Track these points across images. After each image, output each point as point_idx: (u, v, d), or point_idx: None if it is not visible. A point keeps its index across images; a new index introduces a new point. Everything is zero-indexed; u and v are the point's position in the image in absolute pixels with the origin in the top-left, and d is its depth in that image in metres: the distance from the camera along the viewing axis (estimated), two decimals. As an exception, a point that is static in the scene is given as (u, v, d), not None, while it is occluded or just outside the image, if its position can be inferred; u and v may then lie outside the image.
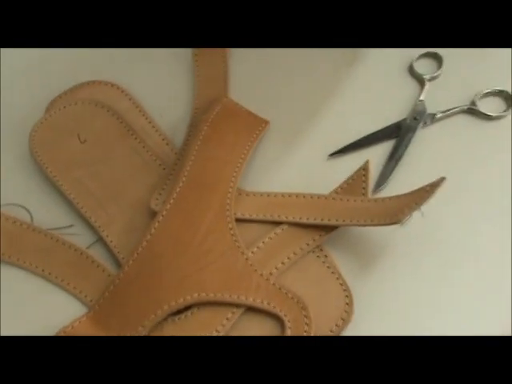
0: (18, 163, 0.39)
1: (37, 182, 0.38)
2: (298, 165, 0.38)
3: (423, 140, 0.38)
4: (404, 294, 0.33)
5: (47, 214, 0.37)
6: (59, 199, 0.38)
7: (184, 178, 0.36)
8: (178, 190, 0.35)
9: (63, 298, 0.34)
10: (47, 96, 0.41)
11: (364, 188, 0.34)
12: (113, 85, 0.41)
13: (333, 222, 0.33)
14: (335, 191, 0.35)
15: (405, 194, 0.32)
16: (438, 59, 0.41)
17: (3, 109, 0.41)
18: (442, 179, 0.31)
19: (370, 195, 0.35)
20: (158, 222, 0.34)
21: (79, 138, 0.39)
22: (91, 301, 0.34)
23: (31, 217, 0.37)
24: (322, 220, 0.34)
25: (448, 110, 0.38)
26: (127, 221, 0.36)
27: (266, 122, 0.39)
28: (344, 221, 0.33)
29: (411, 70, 0.41)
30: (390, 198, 0.33)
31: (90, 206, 0.37)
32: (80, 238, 0.36)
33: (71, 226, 0.37)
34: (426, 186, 0.31)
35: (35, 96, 0.41)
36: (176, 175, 0.36)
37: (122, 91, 0.41)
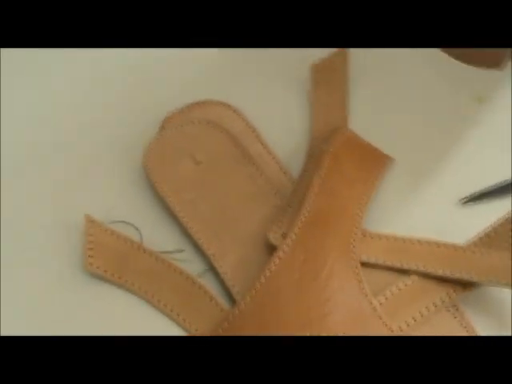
0: (130, 180, 0.38)
1: (148, 201, 0.37)
2: (425, 208, 0.35)
3: None
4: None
5: (157, 235, 0.36)
6: (170, 221, 0.36)
7: (306, 213, 0.33)
8: (299, 224, 0.33)
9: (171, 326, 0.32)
10: (162, 113, 0.39)
11: (511, 244, 0.31)
12: (228, 106, 0.40)
13: (474, 279, 0.30)
14: (473, 243, 0.32)
15: None
16: None
17: (118, 124, 0.40)
18: None
19: (516, 252, 0.31)
20: (279, 258, 0.32)
21: (194, 159, 0.37)
22: (200, 335, 0.32)
23: (141, 237, 0.36)
24: (460, 274, 0.31)
25: None
26: (242, 252, 0.34)
27: (391, 159, 0.37)
28: (488, 279, 0.30)
29: (552, 116, 0.38)
30: (548, 259, 0.29)
31: (204, 231, 0.35)
32: (190, 265, 0.34)
33: (182, 250, 0.35)
34: None
35: (149, 112, 0.40)
36: (296, 208, 0.34)
37: (238, 114, 0.40)
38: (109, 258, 0.34)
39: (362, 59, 0.41)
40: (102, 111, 0.41)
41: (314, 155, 0.37)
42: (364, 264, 0.33)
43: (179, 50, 0.44)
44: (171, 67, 0.43)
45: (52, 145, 0.39)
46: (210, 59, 0.43)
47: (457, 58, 0.30)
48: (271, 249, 0.33)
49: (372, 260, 0.33)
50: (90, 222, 0.35)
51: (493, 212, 0.34)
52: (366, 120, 0.39)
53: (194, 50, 0.44)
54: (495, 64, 0.28)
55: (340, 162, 0.36)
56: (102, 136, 0.40)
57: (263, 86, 0.42)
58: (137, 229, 0.36)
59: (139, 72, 0.43)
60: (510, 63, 0.29)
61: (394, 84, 0.40)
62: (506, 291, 0.31)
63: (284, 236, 0.33)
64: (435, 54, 0.33)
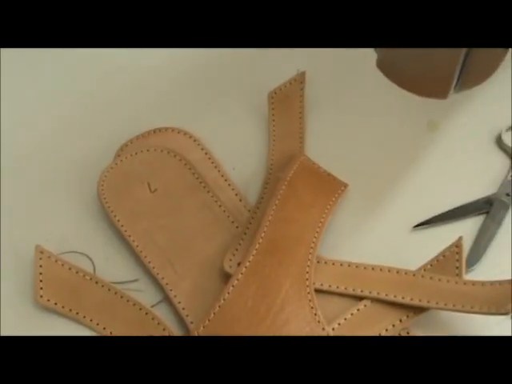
0: (84, 209, 0.37)
1: (102, 230, 0.36)
2: (379, 234, 0.36)
3: (517, 218, 0.36)
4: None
5: (111, 265, 0.35)
6: (124, 250, 0.35)
7: (260, 240, 0.33)
8: (254, 252, 0.33)
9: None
10: (118, 140, 0.39)
11: (458, 268, 0.32)
12: (185, 133, 0.40)
13: (423, 304, 0.31)
14: (423, 268, 0.33)
15: (509, 281, 0.29)
16: (529, 132, 0.39)
17: (73, 151, 0.40)
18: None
19: (464, 276, 0.32)
20: (233, 286, 0.32)
21: (149, 187, 0.37)
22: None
23: (94, 267, 0.35)
24: (411, 300, 0.31)
25: (543, 189, 0.36)
26: (196, 281, 0.34)
27: (345, 185, 0.37)
28: (437, 303, 0.30)
29: (499, 142, 0.39)
30: (492, 284, 0.30)
31: (158, 261, 0.34)
32: (144, 294, 0.34)
33: (136, 280, 0.34)
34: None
35: (106, 139, 0.40)
36: (252, 236, 0.34)
37: (195, 140, 0.40)
38: (60, 290, 0.33)
39: (319, 87, 0.42)
40: (57, 137, 0.41)
41: (271, 182, 0.38)
42: (319, 291, 0.33)
43: (139, 76, 0.44)
44: (130, 93, 0.43)
45: (1, 170, 0.39)
46: (169, 85, 0.43)
47: (406, 88, 0.30)
48: (226, 277, 0.33)
49: (326, 287, 0.33)
50: (41, 252, 0.34)
51: (444, 237, 0.34)
52: (322, 147, 0.40)
53: (152, 75, 0.44)
54: (441, 94, 0.29)
55: (296, 188, 0.36)
56: (57, 162, 0.39)
57: (222, 113, 0.42)
58: (90, 259, 0.35)
59: (97, 97, 0.43)
60: (458, 91, 0.30)
61: (350, 111, 0.41)
62: (456, 314, 0.32)
63: (239, 264, 0.33)
64: (389, 83, 0.33)
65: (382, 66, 0.31)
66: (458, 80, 0.29)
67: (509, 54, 0.31)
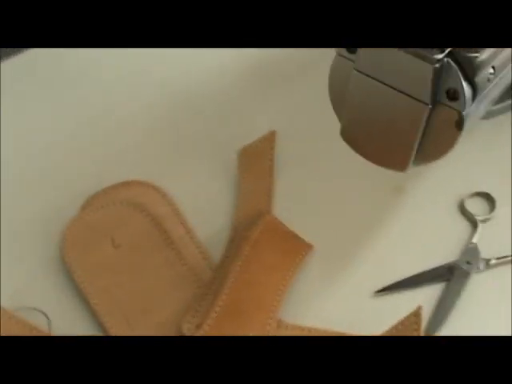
0: (42, 262, 0.36)
1: (60, 285, 0.36)
2: (342, 298, 0.36)
3: (477, 287, 0.36)
4: None
5: (67, 321, 0.34)
6: (82, 306, 0.35)
7: (221, 303, 0.33)
8: (214, 315, 0.33)
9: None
10: (83, 192, 0.39)
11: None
12: (154, 187, 0.40)
13: (381, 374, 0.30)
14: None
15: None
16: (491, 201, 0.40)
17: (36, 202, 0.39)
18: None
19: (422, 347, 0.32)
20: (190, 350, 0.31)
21: (113, 242, 0.37)
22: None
23: (49, 323, 0.34)
24: (369, 370, 0.31)
25: (503, 257, 0.37)
26: (154, 342, 0.33)
27: (310, 247, 0.37)
28: (395, 375, 0.30)
29: (462, 209, 0.39)
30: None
31: (115, 319, 0.34)
32: (99, 355, 0.33)
33: (92, 339, 0.34)
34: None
35: (70, 191, 0.39)
36: (213, 297, 0.34)
37: (163, 195, 0.40)
38: (11, 347, 0.32)
39: (289, 146, 0.42)
40: (20, 186, 0.40)
41: (236, 241, 0.38)
42: (277, 357, 0.32)
43: (108, 127, 0.44)
44: (98, 144, 0.43)
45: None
46: (138, 137, 0.44)
47: (368, 159, 0.31)
48: (185, 339, 0.33)
49: (285, 353, 0.32)
50: (-5, 308, 0.33)
51: (405, 303, 0.34)
52: (289, 206, 0.40)
53: (122, 127, 0.44)
54: (401, 167, 0.30)
55: (260, 249, 0.36)
56: (19, 212, 0.39)
57: (191, 168, 0.42)
58: (45, 315, 0.34)
59: (63, 148, 0.43)
60: (417, 165, 0.30)
61: (319, 172, 0.42)
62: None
63: (198, 327, 0.33)
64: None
65: (344, 135, 0.32)
66: (417, 154, 0.29)
67: (471, 128, 0.32)
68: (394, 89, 0.28)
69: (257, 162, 0.41)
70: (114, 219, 0.38)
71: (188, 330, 0.33)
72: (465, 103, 0.27)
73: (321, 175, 0.41)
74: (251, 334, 0.32)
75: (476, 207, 0.39)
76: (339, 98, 0.31)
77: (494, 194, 0.40)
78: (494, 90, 0.30)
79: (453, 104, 0.27)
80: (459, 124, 0.28)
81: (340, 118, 0.32)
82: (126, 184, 0.40)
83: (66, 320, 0.34)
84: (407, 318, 0.33)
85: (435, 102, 0.28)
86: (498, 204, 0.39)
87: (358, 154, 0.33)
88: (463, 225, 0.39)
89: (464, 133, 0.30)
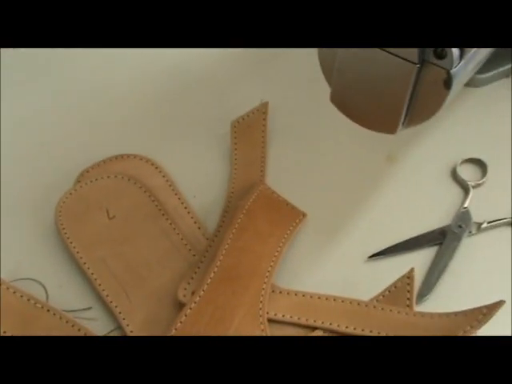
0: (40, 235, 0.37)
1: (58, 257, 0.36)
2: (335, 264, 0.36)
3: (469, 250, 0.36)
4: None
5: (64, 292, 0.35)
6: (79, 278, 0.35)
7: (216, 269, 0.34)
8: (208, 281, 0.33)
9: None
10: (78, 166, 0.39)
11: (409, 299, 0.32)
12: (147, 160, 0.40)
13: (374, 334, 0.31)
14: (376, 299, 0.33)
15: (457, 313, 0.30)
16: (483, 166, 0.40)
17: (32, 176, 0.40)
18: (501, 302, 0.29)
19: (414, 307, 0.32)
20: (186, 315, 0.32)
21: (108, 214, 0.37)
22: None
23: (47, 295, 0.34)
24: (362, 330, 0.31)
25: (494, 221, 0.37)
26: (151, 310, 0.33)
27: (304, 215, 0.38)
28: (388, 334, 0.30)
29: (454, 175, 0.40)
30: (440, 315, 0.30)
31: (112, 289, 0.34)
32: (97, 323, 0.33)
33: (89, 308, 0.34)
34: (483, 307, 0.29)
35: (66, 165, 0.40)
36: (207, 264, 0.34)
37: (156, 167, 0.40)
38: (10, 317, 0.32)
39: (282, 117, 0.42)
40: (16, 161, 0.40)
41: (230, 210, 0.38)
42: (272, 320, 0.33)
43: (102, 101, 0.44)
44: (92, 119, 0.43)
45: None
46: (131, 111, 0.44)
47: (358, 123, 0.31)
48: (180, 306, 0.33)
49: (279, 317, 0.33)
50: (-8, 279, 0.33)
51: (398, 267, 0.35)
52: (282, 176, 0.40)
53: (115, 101, 0.44)
54: (391, 130, 0.30)
55: (254, 217, 0.37)
56: (15, 187, 0.39)
57: (184, 140, 0.42)
58: (43, 286, 0.35)
59: (58, 123, 0.43)
60: (406, 127, 0.31)
61: (311, 142, 0.42)
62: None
63: (193, 293, 0.33)
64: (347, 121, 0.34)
65: (334, 100, 0.32)
66: (406, 116, 0.30)
67: (459, 91, 0.32)
68: (382, 49, 0.28)
69: (250, 133, 0.42)
70: (108, 191, 0.38)
71: (183, 297, 0.33)
72: (452, 61, 0.27)
73: (313, 145, 0.42)
74: (245, 300, 0.33)
75: (468, 173, 0.40)
76: (329, 63, 0.31)
77: (485, 160, 0.40)
78: (481, 50, 0.30)
79: (440, 63, 0.27)
80: (447, 83, 0.28)
81: (330, 83, 0.32)
82: (120, 157, 0.40)
83: (63, 290, 0.35)
84: (400, 279, 0.33)
85: (423, 61, 0.28)
86: (489, 170, 0.39)
87: (349, 124, 0.34)
88: (455, 190, 0.39)
89: (455, 100, 0.30)
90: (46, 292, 0.35)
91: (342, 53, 0.30)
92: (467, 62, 0.29)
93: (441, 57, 0.27)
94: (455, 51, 0.27)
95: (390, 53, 0.28)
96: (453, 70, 0.27)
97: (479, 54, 0.30)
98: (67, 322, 0.33)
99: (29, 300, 0.33)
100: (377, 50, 0.28)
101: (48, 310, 0.33)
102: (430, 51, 0.27)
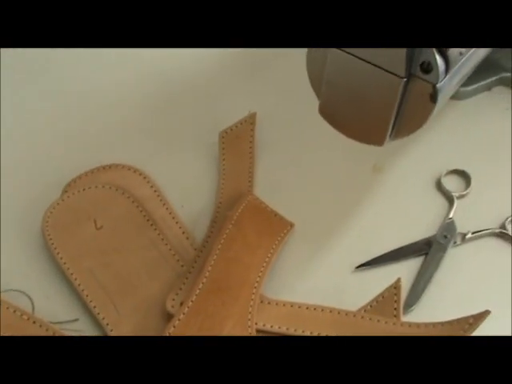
0: (27, 245, 0.36)
1: (44, 268, 0.36)
2: (323, 274, 0.36)
3: (454, 260, 0.37)
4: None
5: (51, 304, 0.34)
6: (66, 289, 0.35)
7: (204, 280, 0.34)
8: (197, 292, 0.33)
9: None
10: (65, 176, 0.39)
11: (396, 309, 0.33)
12: (135, 170, 0.40)
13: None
14: (364, 309, 0.33)
15: (443, 323, 0.30)
16: (467, 178, 0.41)
17: (18, 185, 0.39)
18: (487, 312, 0.29)
19: (401, 317, 0.33)
20: (174, 326, 0.32)
21: (95, 224, 0.37)
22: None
23: (33, 306, 0.34)
24: (350, 340, 0.32)
25: (479, 231, 0.38)
26: (139, 321, 0.33)
27: (292, 225, 0.38)
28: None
29: (439, 186, 0.40)
30: (427, 325, 0.31)
31: (100, 300, 0.34)
32: (83, 335, 0.33)
33: (76, 320, 0.34)
34: (469, 317, 0.29)
35: (53, 175, 0.39)
36: (196, 275, 0.34)
37: (144, 177, 0.40)
38: (-5, 329, 0.32)
39: (269, 128, 0.43)
40: (3, 170, 0.40)
41: (218, 221, 0.38)
42: (261, 331, 0.33)
43: (90, 111, 0.44)
44: (80, 128, 0.43)
45: None
46: (119, 121, 0.43)
47: (346, 134, 0.32)
48: (169, 317, 0.33)
49: (268, 327, 0.33)
50: (-23, 291, 0.33)
51: (385, 278, 0.35)
52: (270, 186, 0.40)
53: (103, 111, 0.44)
54: (378, 141, 0.30)
55: (242, 228, 0.37)
56: (2, 196, 0.39)
57: (173, 150, 0.42)
58: (29, 298, 0.34)
59: (45, 132, 0.42)
60: (394, 139, 0.31)
61: (298, 152, 0.42)
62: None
63: (182, 304, 0.33)
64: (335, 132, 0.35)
65: (323, 111, 0.32)
66: (393, 128, 0.30)
67: (444, 104, 0.33)
68: (370, 63, 0.28)
69: (238, 143, 0.42)
70: (96, 201, 0.38)
71: (172, 308, 0.33)
72: (438, 75, 0.28)
73: (301, 156, 0.42)
74: (234, 311, 0.33)
75: (452, 184, 0.40)
76: (317, 75, 0.32)
77: (469, 172, 0.41)
78: (466, 64, 0.30)
79: (427, 77, 0.28)
80: (433, 97, 0.28)
81: (318, 95, 0.33)
82: (108, 167, 0.40)
83: (50, 302, 0.34)
84: (387, 289, 0.34)
85: (410, 75, 0.28)
86: (473, 181, 0.40)
87: (337, 135, 0.34)
88: (440, 201, 0.40)
89: (439, 113, 0.30)
90: (33, 303, 0.34)
91: (330, 65, 0.30)
92: (452, 76, 0.29)
93: (427, 71, 0.28)
94: (441, 66, 0.28)
95: (378, 66, 0.28)
96: (439, 84, 0.28)
97: (464, 68, 0.31)
98: (54, 333, 0.32)
99: (15, 311, 0.33)
100: (365, 63, 0.29)
101: (34, 322, 0.33)
102: (416, 65, 0.28)
